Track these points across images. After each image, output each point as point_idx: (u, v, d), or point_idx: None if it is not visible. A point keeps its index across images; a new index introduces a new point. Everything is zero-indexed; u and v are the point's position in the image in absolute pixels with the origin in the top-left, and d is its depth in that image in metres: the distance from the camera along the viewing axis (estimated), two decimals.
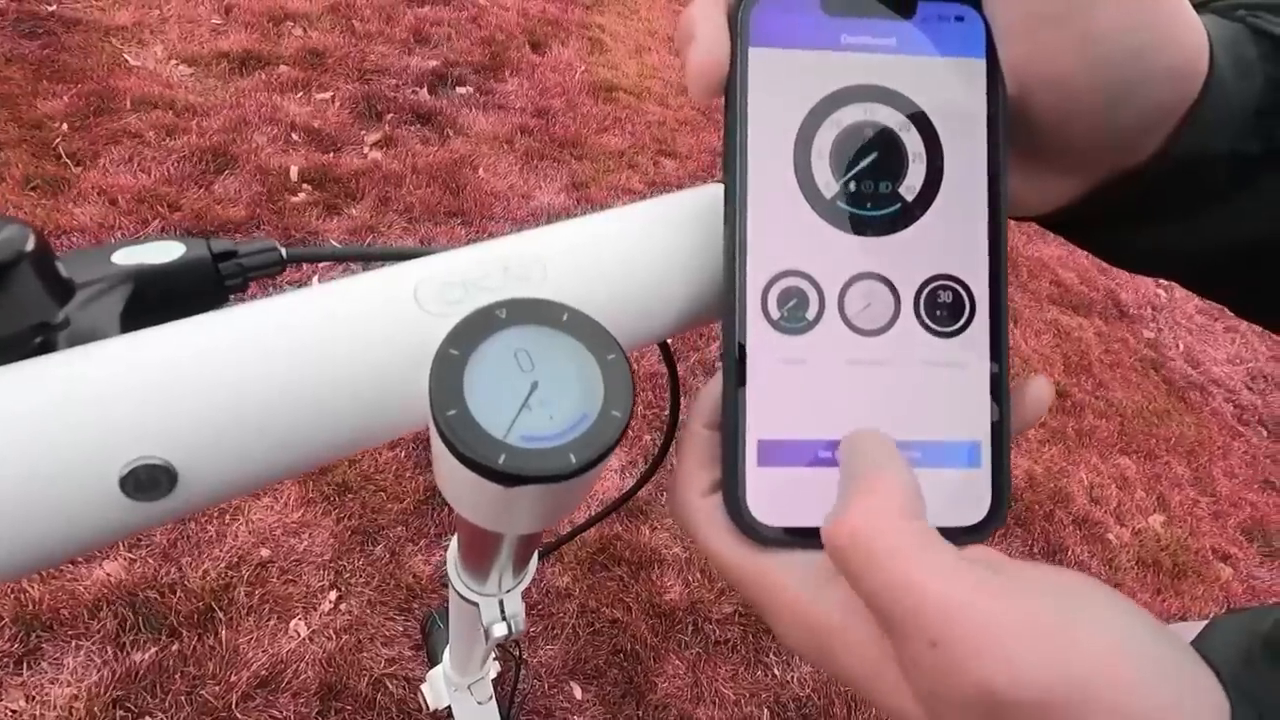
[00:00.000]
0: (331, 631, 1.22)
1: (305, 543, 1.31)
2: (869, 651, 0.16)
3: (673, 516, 0.21)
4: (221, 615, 1.18)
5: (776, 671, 1.36)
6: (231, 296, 0.24)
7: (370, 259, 0.28)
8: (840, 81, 0.20)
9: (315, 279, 1.61)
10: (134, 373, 0.17)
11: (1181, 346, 2.72)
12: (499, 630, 0.37)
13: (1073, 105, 0.20)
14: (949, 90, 0.20)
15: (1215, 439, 2.37)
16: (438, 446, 0.19)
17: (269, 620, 1.20)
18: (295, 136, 2.04)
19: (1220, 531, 2.05)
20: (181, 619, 1.16)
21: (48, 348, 0.18)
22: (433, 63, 2.50)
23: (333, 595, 1.26)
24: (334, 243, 1.78)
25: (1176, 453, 2.24)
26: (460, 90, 2.44)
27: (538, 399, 0.19)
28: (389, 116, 2.22)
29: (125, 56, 2.08)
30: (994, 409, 0.20)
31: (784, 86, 0.20)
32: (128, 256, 0.21)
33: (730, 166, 0.20)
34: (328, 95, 2.22)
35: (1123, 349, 2.58)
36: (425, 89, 2.38)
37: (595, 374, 0.19)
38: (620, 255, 0.22)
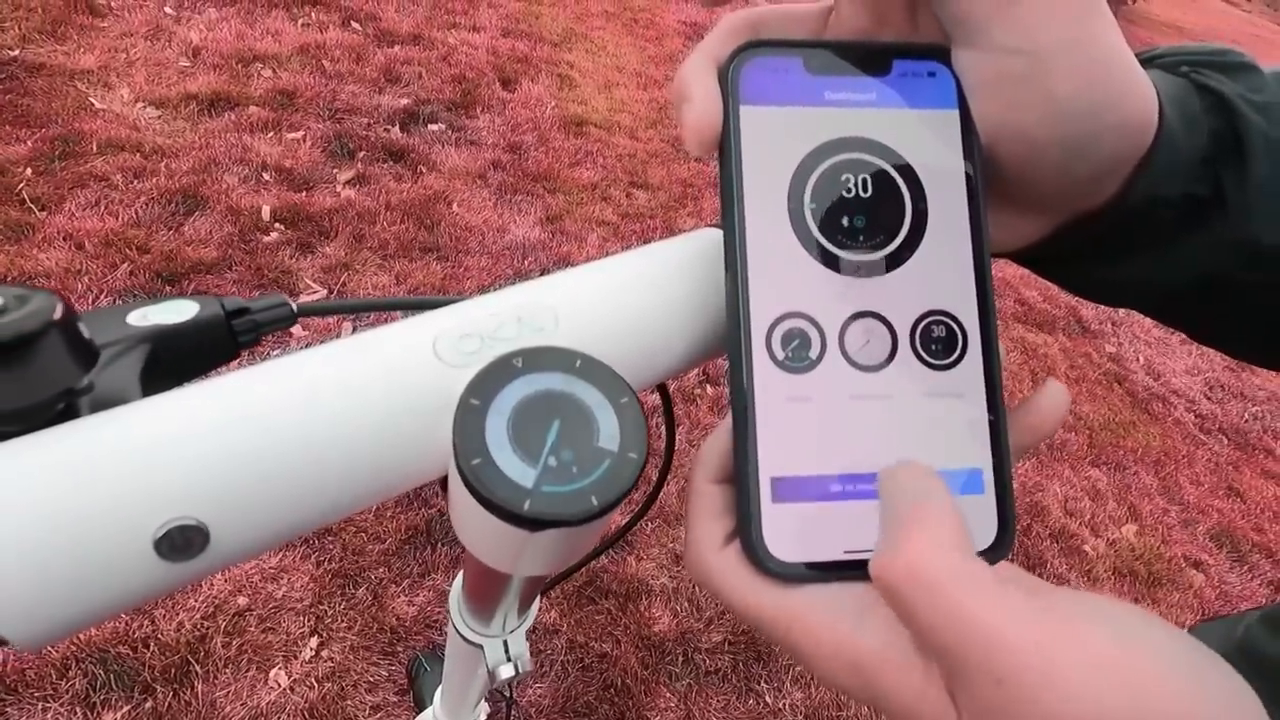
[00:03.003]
0: (313, 680, 1.18)
1: (284, 589, 1.27)
2: (913, 678, 0.17)
3: (692, 576, 0.21)
4: (198, 668, 1.14)
5: (769, 700, 1.35)
6: (244, 351, 0.24)
7: (379, 309, 0.28)
8: (827, 135, 0.22)
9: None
10: (164, 435, 0.17)
11: (1142, 360, 2.81)
12: (505, 671, 0.37)
13: (1036, 155, 0.21)
14: (927, 139, 0.22)
15: (1180, 448, 2.44)
16: (460, 494, 0.19)
17: (248, 671, 1.16)
18: (266, 176, 2.03)
19: (1190, 539, 2.10)
20: (155, 675, 1.12)
21: (70, 413, 0.18)
22: (404, 101, 2.52)
23: (314, 642, 1.23)
24: (313, 282, 1.77)
25: (1144, 463, 2.30)
26: (432, 127, 2.46)
27: (557, 444, 0.19)
28: (361, 154, 2.23)
29: (91, 100, 2.07)
30: (993, 435, 0.21)
31: (775, 141, 0.22)
32: (143, 318, 0.22)
33: (728, 217, 0.21)
34: (299, 135, 2.22)
35: (1087, 364, 2.65)
36: (397, 127, 2.40)
37: (610, 417, 0.20)
38: (627, 300, 0.23)
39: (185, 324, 0.22)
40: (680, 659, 1.36)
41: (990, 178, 0.22)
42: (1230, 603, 1.95)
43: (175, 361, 0.22)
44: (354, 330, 1.66)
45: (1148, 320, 3.19)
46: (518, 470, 0.19)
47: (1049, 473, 2.10)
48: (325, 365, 0.19)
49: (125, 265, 1.65)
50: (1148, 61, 0.25)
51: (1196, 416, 2.64)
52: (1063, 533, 1.92)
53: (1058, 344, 2.67)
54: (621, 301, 0.23)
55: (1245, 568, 2.07)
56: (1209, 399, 2.76)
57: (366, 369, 0.20)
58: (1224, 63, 0.24)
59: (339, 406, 0.19)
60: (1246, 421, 2.72)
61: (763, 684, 1.37)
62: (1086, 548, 1.92)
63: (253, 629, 1.21)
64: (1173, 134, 0.22)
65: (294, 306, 0.24)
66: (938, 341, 0.21)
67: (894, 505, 0.18)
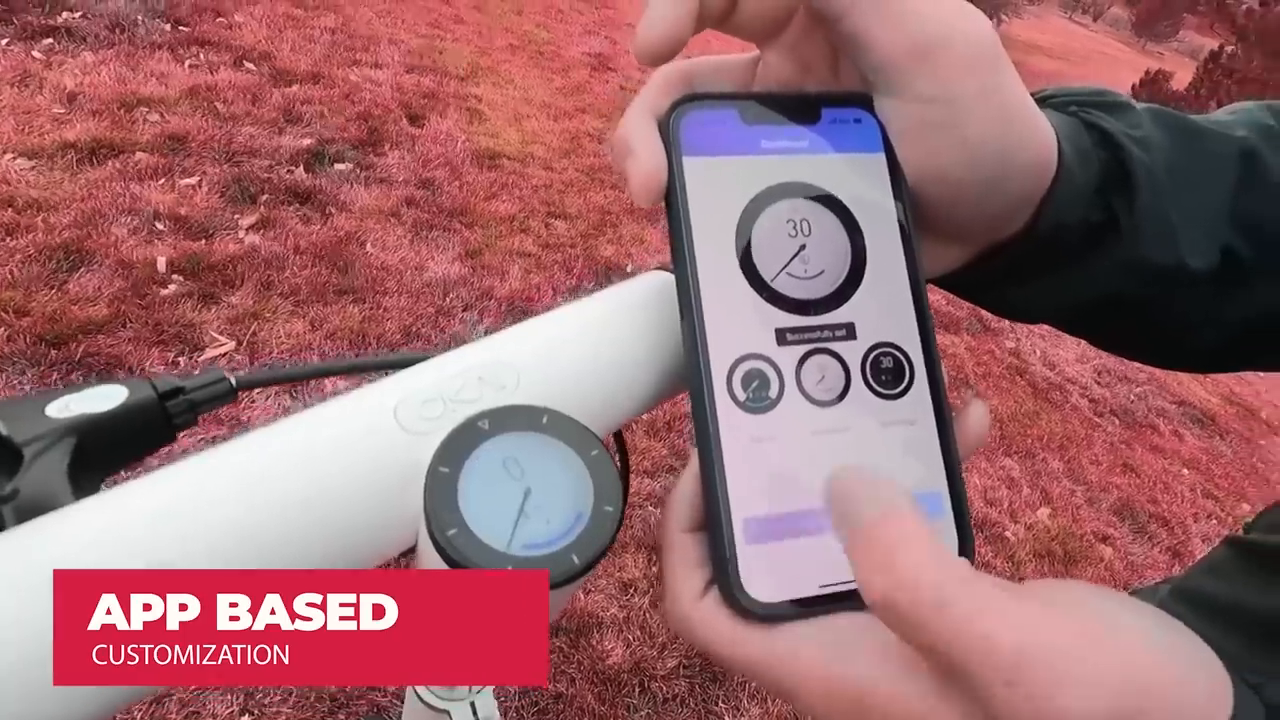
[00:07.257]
0: None
1: None
2: (914, 704, 0.17)
3: (674, 629, 0.20)
4: None
5: (728, 719, 1.35)
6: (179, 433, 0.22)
7: (324, 374, 0.27)
8: (766, 181, 0.23)
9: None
10: (103, 544, 0.16)
11: (1039, 353, 3.03)
12: None
13: (955, 193, 0.23)
14: (859, 181, 0.23)
15: (1079, 432, 2.63)
16: (433, 563, 0.19)
17: None
18: (160, 225, 1.91)
19: (1097, 516, 2.26)
20: None
21: None
22: (306, 141, 2.44)
23: None
24: (219, 335, 1.67)
25: (1050, 449, 2.47)
26: (339, 167, 2.39)
27: (532, 505, 0.19)
28: (264, 198, 2.13)
29: None
30: (946, 457, 0.22)
31: (718, 189, 0.22)
32: (64, 408, 0.20)
33: (680, 265, 0.22)
34: (193, 180, 2.11)
35: (991, 360, 2.83)
36: (301, 167, 2.32)
37: (583, 472, 0.20)
38: (586, 349, 0.23)
39: (114, 411, 0.20)
40: (637, 690, 1.34)
41: (915, 214, 0.24)
42: (1137, 571, 2.11)
43: (105, 452, 0.20)
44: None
45: None
46: (495, 536, 0.18)
47: (968, 466, 2.20)
48: (282, 449, 0.18)
49: (1, 330, 1.51)
50: (1040, 102, 0.27)
51: (1090, 401, 2.86)
52: (985, 522, 2.03)
53: (963, 343, 2.84)
54: (581, 351, 0.23)
55: (1145, 537, 2.25)
56: (1099, 384, 3.00)
57: (327, 447, 0.19)
58: (1104, 102, 0.27)
59: (301, 483, 0.18)
60: (1132, 402, 2.97)
61: (720, 704, 1.37)
62: (1008, 534, 2.03)
63: (173, 716, 1.11)
64: (1070, 168, 0.24)
65: (233, 381, 0.23)
66: (887, 372, 0.22)
67: (858, 518, 0.18)
